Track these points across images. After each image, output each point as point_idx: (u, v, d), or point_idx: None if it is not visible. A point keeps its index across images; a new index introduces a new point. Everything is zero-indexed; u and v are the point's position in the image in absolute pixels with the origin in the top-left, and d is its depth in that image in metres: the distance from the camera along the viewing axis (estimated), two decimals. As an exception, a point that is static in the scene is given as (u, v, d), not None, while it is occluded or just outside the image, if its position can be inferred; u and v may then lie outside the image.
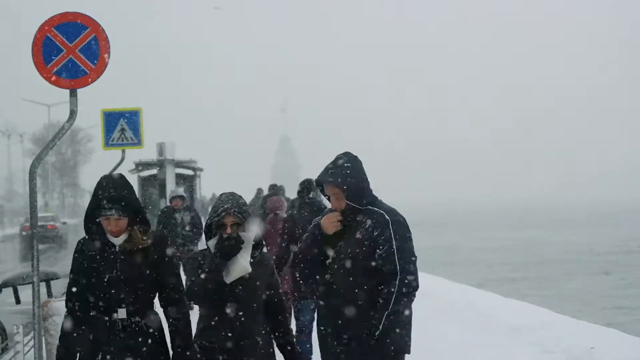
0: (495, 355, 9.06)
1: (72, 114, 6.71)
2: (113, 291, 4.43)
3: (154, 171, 21.30)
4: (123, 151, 12.41)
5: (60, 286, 10.84)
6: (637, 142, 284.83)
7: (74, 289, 4.52)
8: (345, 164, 4.89)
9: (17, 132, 75.77)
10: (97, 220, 4.49)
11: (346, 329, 4.82)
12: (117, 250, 4.49)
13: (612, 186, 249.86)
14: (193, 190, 21.09)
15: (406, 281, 4.72)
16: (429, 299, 11.60)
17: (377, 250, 4.75)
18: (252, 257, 4.56)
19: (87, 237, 4.56)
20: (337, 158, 4.94)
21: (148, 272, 4.50)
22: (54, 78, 6.68)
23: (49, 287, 9.28)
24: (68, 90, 6.70)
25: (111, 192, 4.41)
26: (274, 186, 18.69)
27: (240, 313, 4.54)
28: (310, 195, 8.50)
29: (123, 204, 4.42)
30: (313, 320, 8.13)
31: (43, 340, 7.45)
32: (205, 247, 4.68)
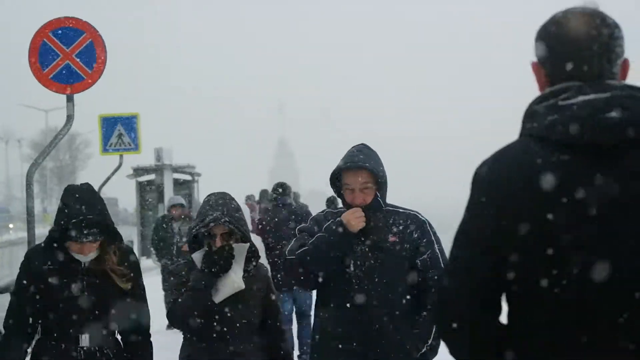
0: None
1: (69, 119, 6.70)
2: (76, 314, 3.74)
3: (151, 176, 21.28)
4: (121, 156, 12.36)
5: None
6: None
7: (20, 308, 3.84)
8: (372, 152, 4.01)
9: (15, 138, 75.96)
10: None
11: (381, 351, 3.96)
12: (82, 267, 3.80)
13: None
14: (191, 195, 21.06)
15: None
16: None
17: (419, 255, 4.03)
18: (245, 271, 3.94)
19: (43, 246, 3.83)
20: (360, 146, 4.04)
21: (116, 293, 3.83)
22: (51, 83, 6.67)
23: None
24: (65, 96, 6.69)
25: (84, 212, 3.68)
26: (265, 192, 18.89)
27: (231, 337, 3.90)
28: (286, 200, 8.99)
29: (99, 228, 3.72)
30: (292, 311, 8.77)
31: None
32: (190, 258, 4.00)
